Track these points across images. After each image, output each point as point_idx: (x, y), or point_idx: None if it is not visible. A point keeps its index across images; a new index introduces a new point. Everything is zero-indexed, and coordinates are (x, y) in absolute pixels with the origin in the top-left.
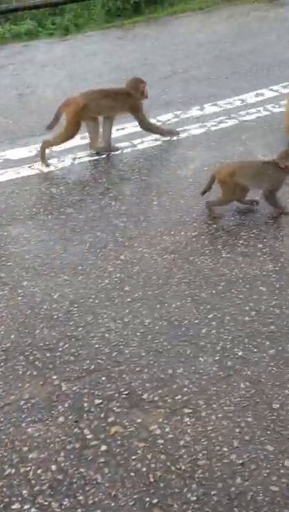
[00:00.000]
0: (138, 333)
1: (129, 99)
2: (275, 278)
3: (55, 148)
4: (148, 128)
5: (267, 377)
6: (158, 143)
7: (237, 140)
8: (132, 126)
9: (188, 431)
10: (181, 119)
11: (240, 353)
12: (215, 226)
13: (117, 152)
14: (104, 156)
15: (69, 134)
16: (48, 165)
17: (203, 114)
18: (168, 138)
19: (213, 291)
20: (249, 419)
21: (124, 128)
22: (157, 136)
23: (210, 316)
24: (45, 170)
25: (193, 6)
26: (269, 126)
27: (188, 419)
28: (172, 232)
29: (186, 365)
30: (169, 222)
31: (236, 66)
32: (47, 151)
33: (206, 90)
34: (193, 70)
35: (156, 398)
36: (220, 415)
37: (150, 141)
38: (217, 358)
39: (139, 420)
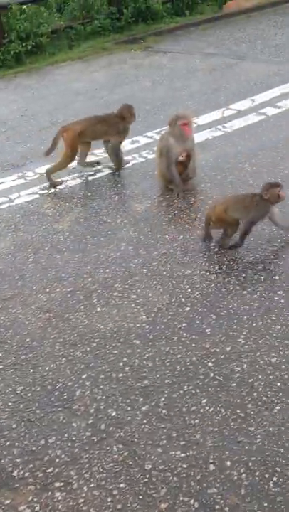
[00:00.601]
0: (9, 403)
1: (120, 124)
2: (149, 329)
3: None
4: (115, 153)
5: (140, 437)
6: (35, 196)
7: (113, 189)
8: (9, 181)
9: (60, 507)
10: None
11: (113, 414)
12: (90, 280)
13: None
14: None
15: (70, 159)
16: (60, 183)
17: None
18: (115, 170)
19: (88, 349)
20: (121, 485)
21: (1, 183)
22: (35, 188)
23: (84, 376)
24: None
25: (73, 56)
26: (144, 173)
27: (59, 493)
28: (48, 290)
29: (58, 433)
30: (45, 279)
31: None
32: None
33: None
34: (72, 119)
35: (26, 474)
36: (92, 485)
37: (26, 195)
38: (90, 421)
39: (7, 502)
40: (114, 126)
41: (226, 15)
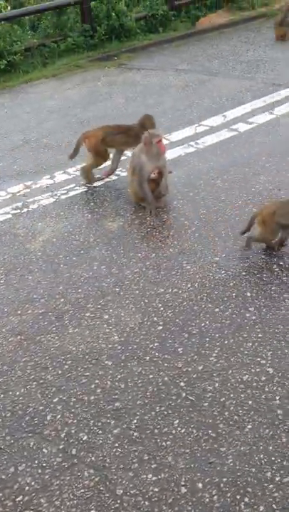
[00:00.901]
0: None
1: (140, 134)
2: (121, 350)
3: None
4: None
5: (111, 461)
6: (7, 216)
7: (86, 207)
8: None
9: None
10: (32, 189)
11: (84, 438)
12: (63, 300)
13: None
14: None
15: (102, 160)
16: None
17: (53, 183)
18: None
19: (60, 372)
20: None
21: None
22: (7, 208)
23: (55, 399)
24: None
25: (47, 73)
26: (117, 191)
27: None
28: (19, 312)
29: (28, 459)
30: (16, 301)
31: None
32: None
33: (56, 158)
34: (45, 137)
35: None
36: None
37: None
38: (61, 446)
39: None
40: (134, 136)
41: (199, 31)
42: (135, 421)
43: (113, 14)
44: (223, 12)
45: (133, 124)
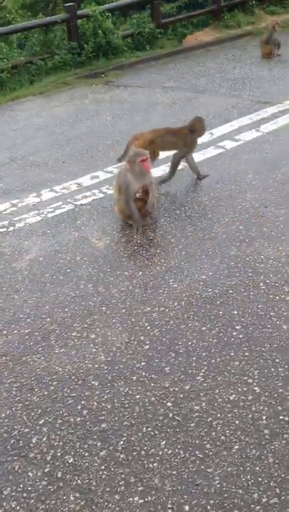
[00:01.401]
0: None
1: (188, 136)
2: (107, 370)
3: None
4: (174, 163)
5: (97, 484)
6: None
7: (72, 225)
8: None
9: None
10: (18, 208)
11: (70, 460)
12: (49, 320)
13: None
14: None
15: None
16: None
17: (40, 201)
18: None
19: (45, 393)
20: None
21: None
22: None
23: (41, 421)
24: None
25: (34, 91)
26: (103, 209)
27: None
28: (5, 332)
29: (13, 483)
30: (2, 321)
31: (73, 149)
32: None
33: (43, 176)
34: (32, 155)
35: None
36: None
37: None
38: (47, 469)
39: None
40: (183, 138)
41: (186, 49)
42: (122, 442)
43: (100, 32)
44: (209, 30)
45: (183, 126)
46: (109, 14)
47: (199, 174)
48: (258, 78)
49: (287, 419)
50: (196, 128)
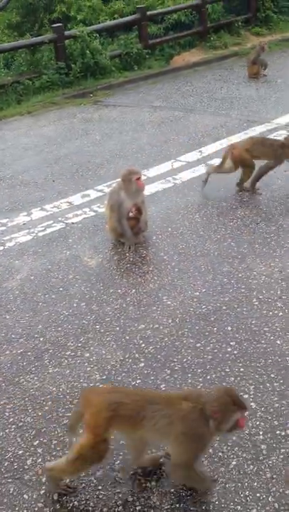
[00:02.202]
0: None
1: (279, 150)
2: None
3: None
4: (259, 174)
5: (94, 504)
6: None
7: (64, 244)
8: None
9: None
10: (8, 227)
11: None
12: (42, 339)
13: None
14: None
15: (248, 171)
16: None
17: (30, 220)
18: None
19: (40, 413)
20: None
21: None
22: None
23: (35, 442)
24: None
25: (21, 110)
26: (95, 227)
27: None
28: None
29: (8, 506)
30: None
31: (63, 168)
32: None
33: (33, 195)
34: (21, 174)
35: None
36: None
37: None
38: (42, 491)
39: None
40: (274, 150)
41: (174, 69)
42: (118, 462)
43: (88, 52)
44: (196, 51)
45: (278, 140)
46: (97, 35)
47: (252, 188)
48: (245, 98)
49: (283, 433)
50: (287, 145)
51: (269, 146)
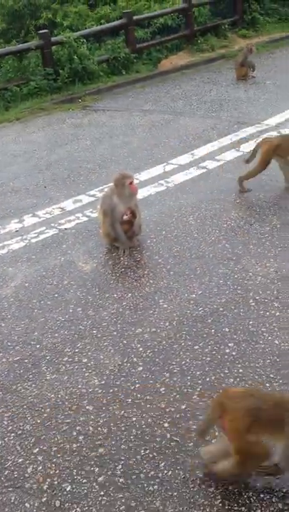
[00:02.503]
0: None
1: None
2: (101, 393)
3: None
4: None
5: (98, 510)
6: None
7: (58, 250)
8: None
9: None
10: (0, 234)
11: (68, 488)
12: (38, 346)
13: None
14: None
15: (261, 168)
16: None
17: (22, 227)
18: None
19: (38, 421)
20: None
21: None
22: None
23: (35, 450)
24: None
25: (9, 117)
26: (88, 232)
27: None
28: None
29: None
30: None
31: (54, 174)
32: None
33: (24, 201)
34: (11, 181)
35: None
36: None
37: None
38: (44, 499)
39: None
40: None
41: (161, 73)
42: (120, 466)
43: (75, 57)
44: (183, 54)
45: None
46: (84, 40)
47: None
48: (234, 100)
49: None
50: None
51: None
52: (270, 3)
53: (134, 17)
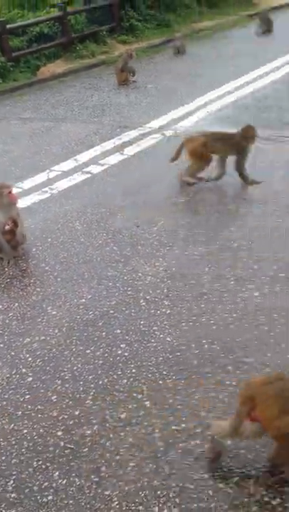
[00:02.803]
0: None
1: (240, 143)
2: None
3: None
4: (240, 171)
5: None
6: None
7: None
8: None
9: None
10: None
11: None
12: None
13: None
14: None
15: (201, 165)
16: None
17: None
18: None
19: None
20: None
21: None
22: None
23: None
24: None
25: None
26: None
27: None
28: None
29: None
30: None
31: None
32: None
33: None
34: None
35: None
36: None
37: None
38: None
39: None
40: (234, 145)
41: (40, 80)
42: (12, 482)
43: None
44: (61, 61)
45: (237, 132)
46: None
47: (245, 179)
48: (116, 104)
49: (178, 428)
50: (248, 135)
51: (228, 141)
52: (146, 10)
53: (8, 26)
